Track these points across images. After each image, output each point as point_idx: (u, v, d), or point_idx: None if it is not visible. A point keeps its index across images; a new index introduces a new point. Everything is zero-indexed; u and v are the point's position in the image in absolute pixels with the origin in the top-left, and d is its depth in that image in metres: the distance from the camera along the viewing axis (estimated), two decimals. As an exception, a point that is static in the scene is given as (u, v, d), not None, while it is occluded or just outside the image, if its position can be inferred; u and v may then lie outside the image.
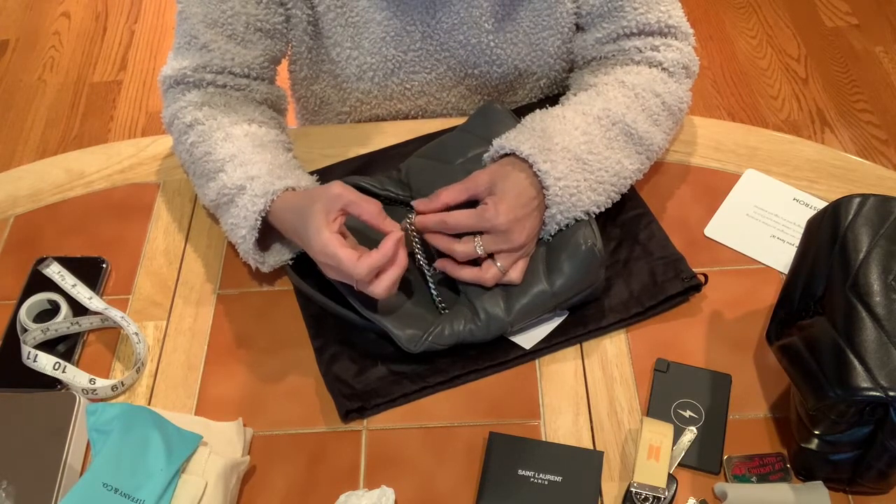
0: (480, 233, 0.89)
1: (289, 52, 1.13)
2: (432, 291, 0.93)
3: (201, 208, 1.07)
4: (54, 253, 1.02)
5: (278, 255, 0.96)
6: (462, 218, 0.89)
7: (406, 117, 1.18)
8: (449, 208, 0.91)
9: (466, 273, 0.90)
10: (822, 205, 0.94)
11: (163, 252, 1.04)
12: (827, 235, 0.83)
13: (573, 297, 0.91)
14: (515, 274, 0.90)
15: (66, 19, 2.80)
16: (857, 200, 0.84)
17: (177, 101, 1.03)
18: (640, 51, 1.03)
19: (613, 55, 1.05)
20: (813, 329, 0.78)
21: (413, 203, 0.93)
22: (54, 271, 0.98)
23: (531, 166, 0.90)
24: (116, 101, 2.53)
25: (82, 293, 0.96)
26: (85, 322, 0.95)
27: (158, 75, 1.05)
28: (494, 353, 0.91)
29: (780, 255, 0.99)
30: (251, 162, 0.95)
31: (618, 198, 0.97)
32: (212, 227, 1.06)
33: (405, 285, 0.93)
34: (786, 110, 2.40)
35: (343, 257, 0.84)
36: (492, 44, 1.08)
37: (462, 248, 0.89)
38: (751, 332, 0.92)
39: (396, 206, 1.01)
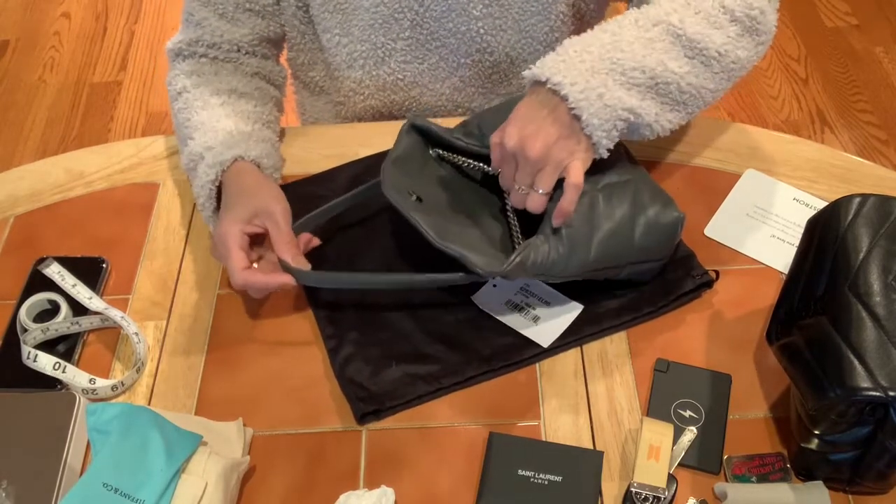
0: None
1: (286, 37, 1.15)
2: (511, 222, 0.92)
3: (201, 208, 1.08)
4: (54, 253, 1.02)
5: None
6: (507, 174, 0.87)
7: (401, 109, 1.18)
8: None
9: (514, 199, 0.88)
10: (822, 205, 0.94)
11: (163, 252, 1.04)
12: (827, 235, 0.83)
13: (638, 265, 0.90)
14: (573, 175, 0.84)
15: (66, 19, 2.80)
16: (857, 200, 0.84)
17: (172, 70, 1.10)
18: None
19: None
20: (813, 329, 0.78)
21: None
22: (54, 271, 0.98)
23: (545, 84, 0.85)
24: (116, 102, 2.53)
25: (82, 293, 0.96)
26: (85, 322, 0.95)
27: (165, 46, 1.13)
28: (509, 353, 0.91)
29: (780, 255, 0.99)
30: (213, 130, 1.01)
31: (680, 110, 0.89)
32: (212, 227, 1.06)
33: (484, 219, 0.92)
34: (786, 110, 2.40)
35: (233, 257, 0.90)
36: (482, 30, 1.08)
37: (517, 198, 0.87)
38: (751, 332, 0.92)
39: (471, 162, 0.96)
